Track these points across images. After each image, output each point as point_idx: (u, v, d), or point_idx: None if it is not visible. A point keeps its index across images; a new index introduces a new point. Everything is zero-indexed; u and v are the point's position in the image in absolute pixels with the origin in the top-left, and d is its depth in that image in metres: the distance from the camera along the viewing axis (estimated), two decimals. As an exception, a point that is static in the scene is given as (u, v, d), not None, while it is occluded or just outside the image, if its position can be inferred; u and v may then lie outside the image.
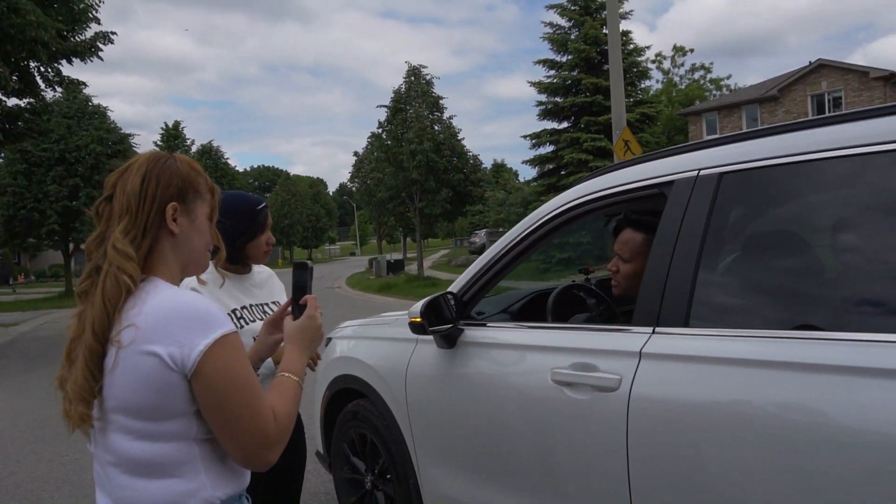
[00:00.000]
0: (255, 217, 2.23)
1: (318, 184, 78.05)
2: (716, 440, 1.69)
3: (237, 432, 1.25)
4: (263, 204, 2.29)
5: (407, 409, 2.79)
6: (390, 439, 2.92)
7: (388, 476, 3.01)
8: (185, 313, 1.22)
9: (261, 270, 2.41)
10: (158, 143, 45.17)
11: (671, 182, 2.02)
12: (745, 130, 1.95)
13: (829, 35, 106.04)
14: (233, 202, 2.15)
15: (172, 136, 45.29)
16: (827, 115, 1.79)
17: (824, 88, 29.38)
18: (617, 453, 1.88)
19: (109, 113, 27.63)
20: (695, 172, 1.96)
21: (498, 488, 2.40)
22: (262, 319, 2.25)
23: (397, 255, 35.85)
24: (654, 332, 1.90)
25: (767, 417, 1.60)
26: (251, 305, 2.27)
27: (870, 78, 27.99)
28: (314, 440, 3.48)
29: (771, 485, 1.57)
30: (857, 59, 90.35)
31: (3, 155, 22.90)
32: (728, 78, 58.06)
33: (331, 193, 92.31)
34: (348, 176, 50.76)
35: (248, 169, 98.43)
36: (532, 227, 2.47)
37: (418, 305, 2.56)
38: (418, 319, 2.53)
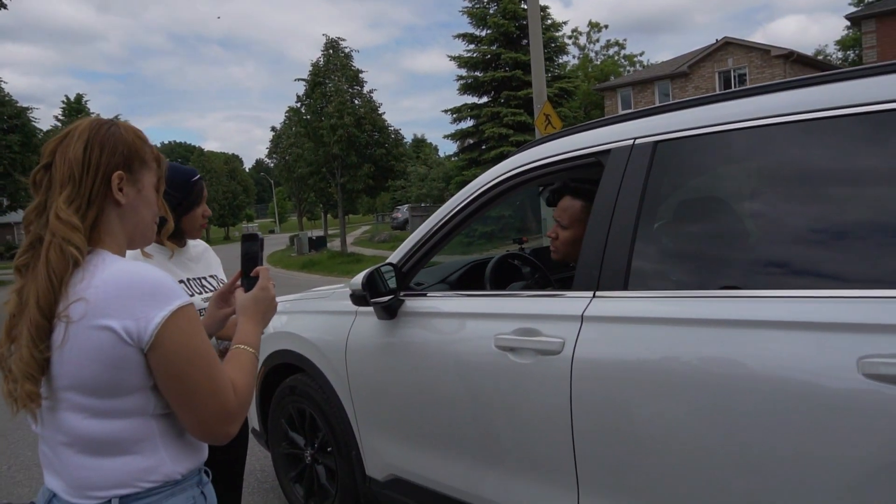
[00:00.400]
0: (191, 188, 2.16)
1: (233, 160, 75.71)
2: (656, 398, 1.77)
3: (197, 406, 1.22)
4: (198, 175, 2.22)
5: (348, 382, 2.78)
6: (331, 412, 2.92)
7: (329, 449, 3.01)
8: (138, 285, 1.17)
9: (196, 244, 2.34)
10: (60, 117, 42.59)
11: (608, 151, 2.09)
12: (678, 100, 2.03)
13: (731, 14, 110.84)
14: (167, 174, 2.07)
15: (75, 111, 42.65)
16: (754, 85, 1.89)
17: (730, 65, 30.66)
18: (561, 413, 1.95)
19: (3, 85, 25.80)
20: (630, 141, 2.03)
21: (443, 456, 2.44)
22: (199, 294, 2.20)
23: (319, 232, 35.33)
24: (594, 296, 1.97)
25: (701, 373, 1.70)
26: (188, 280, 2.21)
27: (771, 56, 29.40)
28: (248, 416, 3.43)
29: (709, 439, 1.68)
30: (758, 37, 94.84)
31: None
32: (641, 55, 59.87)
33: (247, 170, 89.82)
34: (265, 152, 49.44)
35: (159, 145, 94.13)
36: (471, 198, 2.49)
37: (359, 277, 2.55)
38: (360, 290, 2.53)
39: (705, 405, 1.68)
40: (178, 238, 2.22)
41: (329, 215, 37.33)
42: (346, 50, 24.14)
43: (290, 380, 3.19)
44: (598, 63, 52.16)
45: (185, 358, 1.19)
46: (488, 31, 25.15)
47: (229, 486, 2.35)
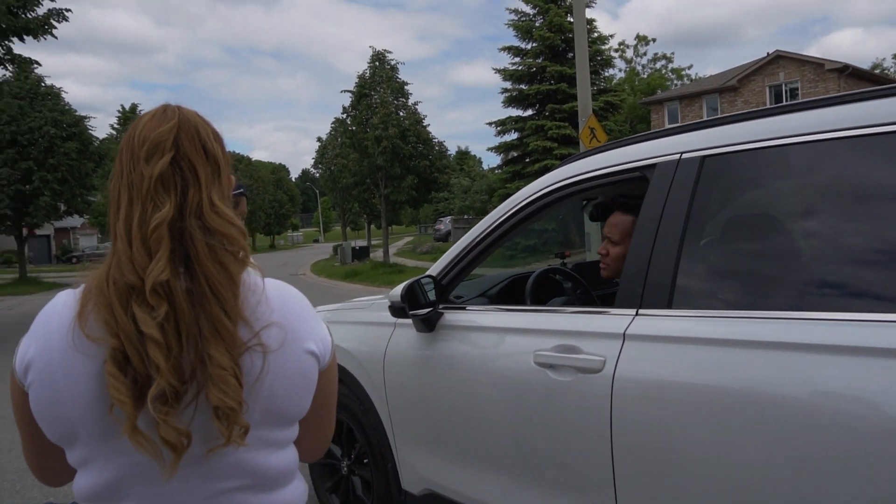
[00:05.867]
0: None
1: (280, 170, 77.24)
2: (699, 420, 1.71)
3: (326, 424, 1.19)
4: (237, 190, 2.19)
5: (385, 393, 2.78)
6: (368, 424, 2.91)
7: (366, 461, 3.00)
8: (305, 302, 1.09)
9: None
10: (115, 125, 44.16)
11: (653, 165, 2.04)
12: (726, 114, 1.98)
13: (786, 27, 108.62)
14: None
15: (130, 120, 44.15)
16: (803, 100, 1.82)
17: (782, 79, 29.98)
18: (600, 433, 1.90)
19: (63, 94, 26.71)
20: (677, 156, 1.98)
21: (479, 472, 2.40)
22: None
23: (362, 242, 35.62)
24: (637, 313, 1.92)
25: (749, 397, 1.63)
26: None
27: (825, 70, 28.64)
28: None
29: (753, 463, 1.61)
30: (813, 51, 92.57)
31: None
32: (689, 68, 59.12)
33: (293, 179, 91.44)
34: (311, 162, 50.11)
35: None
36: (512, 211, 2.47)
37: (399, 289, 2.54)
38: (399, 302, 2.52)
39: (751, 431, 1.61)
40: None
41: (372, 226, 37.63)
42: (392, 62, 24.42)
43: (328, 390, 3.19)
44: (645, 76, 51.63)
45: (335, 377, 1.16)
46: (534, 44, 25.17)
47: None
